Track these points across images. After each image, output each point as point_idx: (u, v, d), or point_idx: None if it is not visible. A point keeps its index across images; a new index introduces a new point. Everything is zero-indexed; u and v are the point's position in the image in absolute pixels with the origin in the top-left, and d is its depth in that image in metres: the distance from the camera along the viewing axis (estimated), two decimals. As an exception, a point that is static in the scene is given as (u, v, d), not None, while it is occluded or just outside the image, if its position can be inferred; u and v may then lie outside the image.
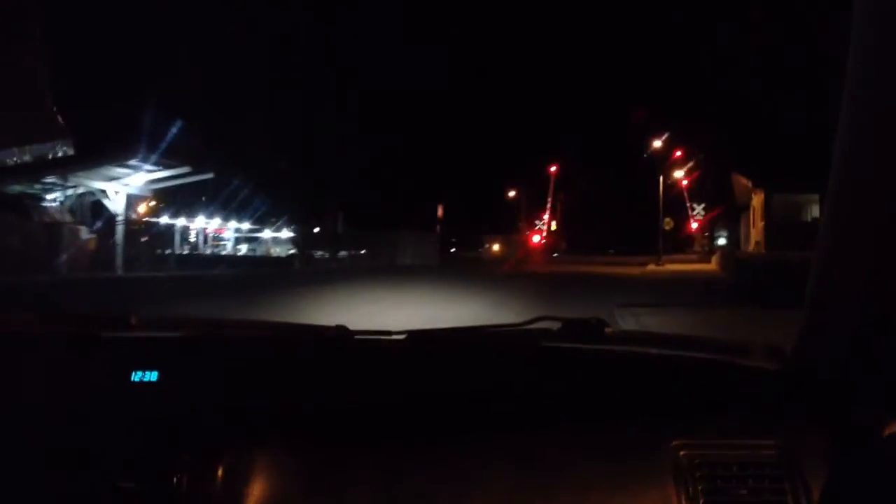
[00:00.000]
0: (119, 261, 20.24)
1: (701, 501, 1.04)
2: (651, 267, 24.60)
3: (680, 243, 46.87)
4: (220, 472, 1.11)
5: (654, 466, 1.08)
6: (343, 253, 33.90)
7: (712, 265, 24.05)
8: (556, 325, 1.42)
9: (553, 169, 58.69)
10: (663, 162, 38.55)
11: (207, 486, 1.10)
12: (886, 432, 1.02)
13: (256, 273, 23.51)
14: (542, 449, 1.12)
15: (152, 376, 1.28)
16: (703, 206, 41.58)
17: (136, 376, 1.28)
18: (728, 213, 38.93)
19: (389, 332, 1.44)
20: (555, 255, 53.74)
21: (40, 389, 1.29)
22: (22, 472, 1.15)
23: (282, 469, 1.13)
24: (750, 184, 23.60)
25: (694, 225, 40.09)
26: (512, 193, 61.01)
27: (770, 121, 22.87)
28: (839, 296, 1.11)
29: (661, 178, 34.91)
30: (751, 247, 24.85)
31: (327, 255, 33.32)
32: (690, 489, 1.05)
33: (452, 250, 49.22)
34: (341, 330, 1.44)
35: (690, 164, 34.62)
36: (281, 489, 1.11)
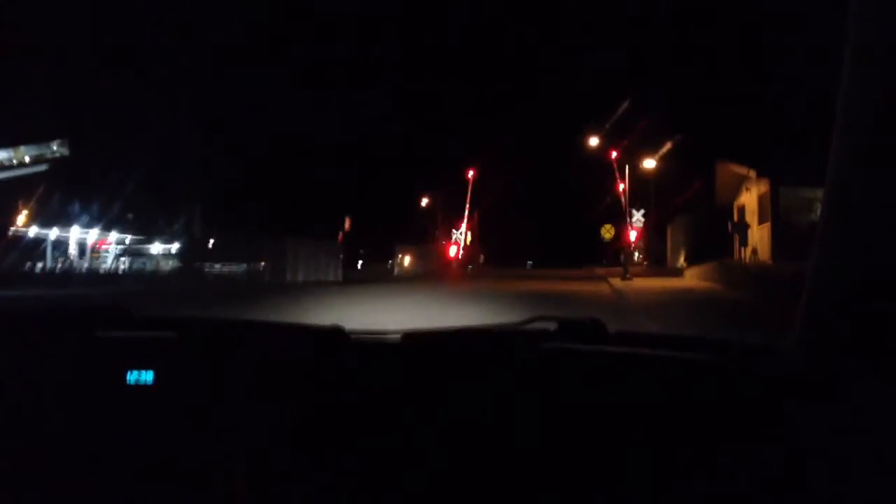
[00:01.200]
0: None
1: (701, 501, 1.08)
2: (617, 283, 19.15)
3: (611, 255, 42.72)
4: (218, 471, 1.16)
5: (655, 467, 1.11)
6: (226, 267, 27.75)
7: (697, 280, 18.78)
8: (553, 326, 1.43)
9: (471, 173, 53.20)
10: (625, 149, 33.68)
11: (206, 486, 1.15)
12: (885, 433, 1.02)
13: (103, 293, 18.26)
14: (541, 451, 1.14)
15: (148, 376, 1.31)
16: (642, 212, 36.86)
17: (132, 376, 1.30)
18: (668, 218, 34.84)
19: (385, 332, 1.49)
20: (469, 267, 48.51)
21: (36, 387, 1.31)
22: (18, 472, 1.18)
23: (277, 467, 1.16)
24: (749, 173, 18.68)
25: (633, 234, 35.15)
26: (425, 201, 55.23)
27: (775, 96, 18.37)
28: (838, 296, 1.11)
29: (625, 171, 30.19)
30: (745, 256, 19.92)
31: (217, 267, 28.06)
32: (690, 489, 1.09)
33: (361, 263, 43.19)
34: (337, 329, 1.45)
35: (662, 151, 28.91)
36: (275, 488, 1.16)
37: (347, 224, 46.16)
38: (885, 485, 1.00)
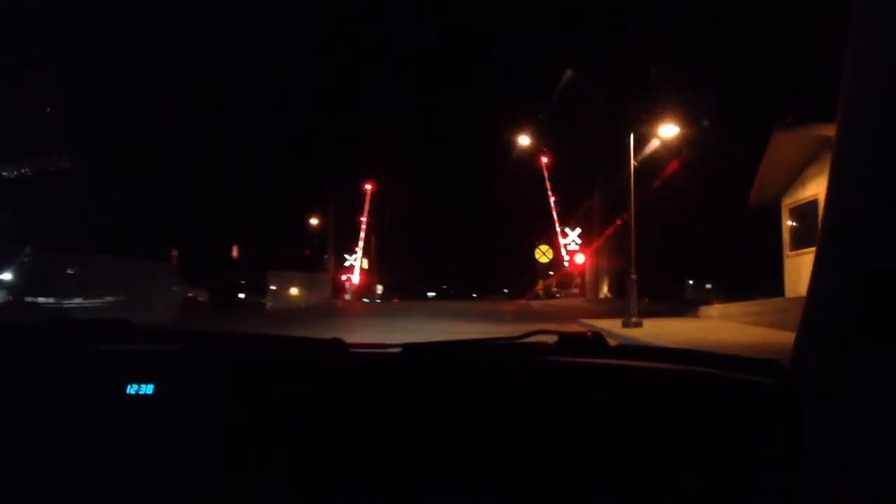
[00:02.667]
0: None
1: None
2: (620, 330, 11.71)
3: (528, 281, 35.65)
4: (218, 484, 1.15)
5: (656, 479, 1.10)
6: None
7: (755, 331, 11.44)
8: (553, 339, 1.43)
9: (369, 187, 45.13)
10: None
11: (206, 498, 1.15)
12: (883, 446, 1.01)
13: None
14: (541, 463, 1.13)
15: (148, 389, 1.29)
16: (577, 231, 30.02)
17: (132, 388, 1.29)
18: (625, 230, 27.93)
19: (385, 346, 1.48)
20: (365, 300, 40.31)
21: (35, 400, 1.30)
22: (16, 485, 1.17)
23: (278, 479, 1.16)
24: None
25: (580, 258, 28.05)
26: (315, 222, 46.60)
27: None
28: (837, 310, 1.10)
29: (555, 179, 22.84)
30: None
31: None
32: (691, 500, 1.08)
33: (241, 296, 34.15)
34: (337, 343, 1.45)
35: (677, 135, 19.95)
36: (277, 499, 1.15)
37: (235, 252, 37.06)
38: (887, 498, 0.99)
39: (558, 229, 28.56)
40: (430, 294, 69.63)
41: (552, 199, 29.91)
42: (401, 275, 55.56)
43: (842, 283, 1.09)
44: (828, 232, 1.13)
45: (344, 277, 43.73)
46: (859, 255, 1.06)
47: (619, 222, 28.69)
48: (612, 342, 1.47)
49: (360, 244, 44.79)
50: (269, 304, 28.30)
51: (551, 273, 28.58)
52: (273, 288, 29.40)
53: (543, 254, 27.75)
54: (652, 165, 22.90)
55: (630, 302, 13.63)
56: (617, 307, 21.59)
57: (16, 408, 1.28)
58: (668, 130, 16.11)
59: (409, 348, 1.43)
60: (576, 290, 30.99)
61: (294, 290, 31.92)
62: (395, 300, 45.80)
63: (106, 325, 1.55)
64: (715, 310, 14.45)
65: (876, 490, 0.99)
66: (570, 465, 1.13)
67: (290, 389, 1.31)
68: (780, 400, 1.18)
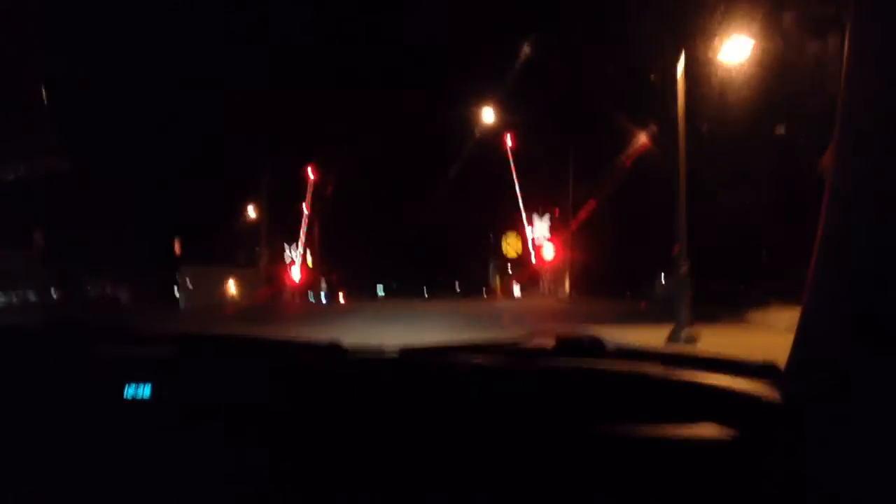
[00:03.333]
0: None
1: None
2: (670, 346, 7.78)
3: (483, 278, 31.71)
4: (213, 485, 1.14)
5: (651, 481, 1.10)
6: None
7: None
8: (550, 342, 1.41)
9: (311, 174, 40.37)
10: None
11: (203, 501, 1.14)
12: (880, 450, 1.01)
13: None
14: (539, 465, 1.13)
15: (145, 391, 1.29)
16: (546, 218, 26.12)
17: (130, 391, 1.29)
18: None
19: (382, 349, 1.48)
20: (311, 299, 35.79)
21: (31, 402, 1.30)
22: (13, 487, 1.17)
23: (276, 482, 1.15)
24: None
25: (549, 251, 24.13)
26: (253, 214, 41.59)
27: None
28: (834, 311, 1.10)
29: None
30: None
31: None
32: (686, 502, 1.08)
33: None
34: (335, 346, 1.45)
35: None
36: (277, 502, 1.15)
37: (177, 247, 32.05)
38: (890, 500, 0.99)
39: (525, 219, 24.64)
40: (380, 292, 65.56)
41: (517, 184, 26.02)
42: (347, 271, 50.98)
43: (842, 283, 1.09)
44: (827, 231, 1.13)
45: (294, 274, 38.85)
46: (859, 256, 1.06)
47: (590, 206, 24.88)
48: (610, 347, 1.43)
49: (302, 236, 40.02)
50: (183, 304, 23.53)
51: (511, 267, 24.59)
52: (189, 285, 24.57)
53: (510, 245, 23.69)
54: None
55: (680, 307, 9.22)
56: (602, 309, 17.75)
57: (12, 408, 1.27)
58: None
59: (406, 352, 1.45)
60: (543, 288, 27.16)
61: (219, 288, 27.12)
62: (343, 299, 41.66)
63: (105, 328, 1.59)
64: (783, 316, 10.25)
65: (878, 492, 1.00)
66: (570, 469, 1.12)
67: (288, 392, 1.31)
68: (779, 403, 1.18)
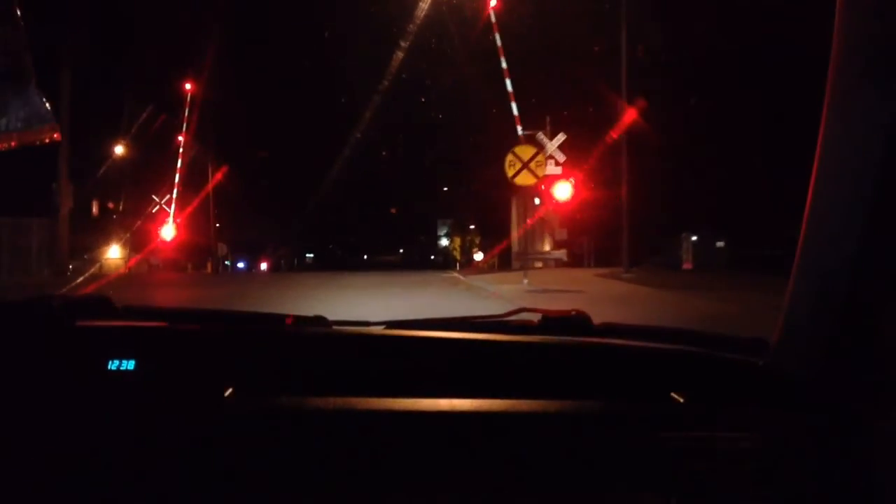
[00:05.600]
0: None
1: (683, 491, 1.07)
2: None
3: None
4: (201, 462, 1.12)
5: (639, 456, 1.10)
6: None
7: None
8: (536, 318, 1.42)
9: (189, 86, 27.69)
10: None
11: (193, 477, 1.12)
12: (868, 425, 1.04)
13: None
14: (525, 442, 1.12)
15: (129, 365, 1.28)
16: (560, 137, 14.88)
17: (113, 365, 1.28)
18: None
19: (367, 323, 1.49)
20: (206, 270, 24.40)
21: (14, 377, 1.28)
22: None
23: (261, 457, 1.13)
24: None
25: (564, 189, 13.12)
26: (120, 150, 28.95)
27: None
28: (822, 287, 1.12)
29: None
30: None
31: None
32: (674, 479, 1.08)
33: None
34: (319, 319, 1.47)
35: None
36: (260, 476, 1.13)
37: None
38: (867, 477, 1.02)
39: (521, 133, 13.59)
40: (309, 256, 54.20)
41: (508, 79, 14.74)
42: (258, 231, 38.93)
43: (823, 279, 1.11)
44: (810, 224, 1.14)
45: (166, 233, 26.70)
46: (841, 251, 1.08)
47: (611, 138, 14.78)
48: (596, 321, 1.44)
49: (178, 179, 27.61)
50: None
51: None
52: None
53: (512, 163, 12.32)
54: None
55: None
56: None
57: None
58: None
59: (392, 325, 1.45)
60: (562, 256, 16.10)
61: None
62: (264, 268, 30.98)
63: (88, 302, 1.54)
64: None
65: (862, 483, 1.02)
66: (558, 444, 1.12)
67: (271, 365, 1.31)
68: (768, 376, 1.19)
